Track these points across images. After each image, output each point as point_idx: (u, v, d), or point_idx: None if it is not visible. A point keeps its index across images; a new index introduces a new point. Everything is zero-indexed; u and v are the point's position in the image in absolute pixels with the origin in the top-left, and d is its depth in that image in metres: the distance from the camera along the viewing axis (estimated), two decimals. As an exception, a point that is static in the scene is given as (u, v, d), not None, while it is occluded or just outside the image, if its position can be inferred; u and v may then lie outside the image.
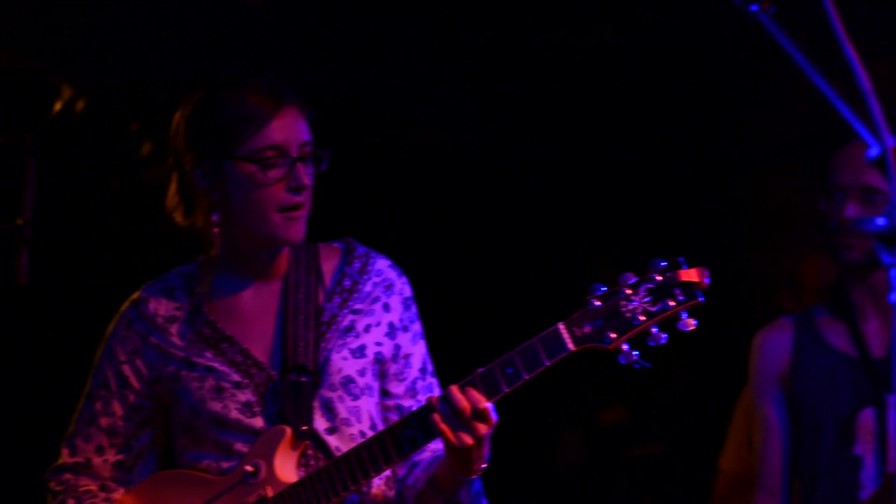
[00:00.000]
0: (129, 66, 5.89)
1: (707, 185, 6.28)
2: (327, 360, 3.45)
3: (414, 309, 3.57)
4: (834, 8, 2.20)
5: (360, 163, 5.98)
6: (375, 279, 3.54)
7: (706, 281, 3.13)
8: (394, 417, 3.49)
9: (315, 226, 3.49)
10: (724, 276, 3.94)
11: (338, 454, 3.39)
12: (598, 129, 6.36)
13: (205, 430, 3.46)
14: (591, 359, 3.29)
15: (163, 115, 3.62)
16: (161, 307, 3.55)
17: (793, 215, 6.05)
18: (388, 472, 3.49)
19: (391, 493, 3.51)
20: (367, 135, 6.11)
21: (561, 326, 3.19)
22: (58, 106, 5.86)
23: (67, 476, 3.60)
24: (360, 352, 3.47)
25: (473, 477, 3.32)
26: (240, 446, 3.44)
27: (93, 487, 3.57)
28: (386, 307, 3.52)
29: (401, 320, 3.53)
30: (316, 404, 3.44)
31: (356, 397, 3.46)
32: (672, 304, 3.13)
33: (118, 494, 3.56)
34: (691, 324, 3.12)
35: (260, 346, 3.49)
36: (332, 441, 3.44)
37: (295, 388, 3.42)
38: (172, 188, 3.52)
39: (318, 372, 3.44)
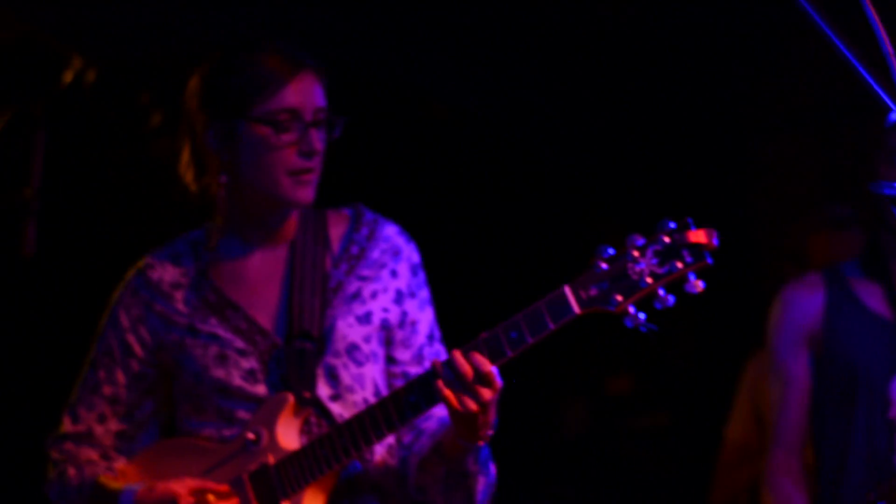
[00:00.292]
0: (139, 37, 5.90)
1: (716, 155, 6.27)
2: (332, 326, 3.43)
3: (422, 275, 3.55)
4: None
5: (372, 129, 5.98)
6: (383, 245, 3.52)
7: (715, 242, 3.08)
8: (400, 384, 3.46)
9: (327, 192, 3.49)
10: (730, 246, 3.96)
11: (341, 421, 3.37)
12: (610, 96, 6.35)
13: (207, 397, 3.45)
14: (598, 329, 3.28)
15: (173, 87, 3.62)
16: (166, 273, 3.54)
17: (803, 187, 6.04)
18: (390, 440, 3.48)
19: (393, 461, 3.49)
20: (379, 102, 6.11)
21: (567, 289, 3.15)
22: (68, 77, 5.86)
23: (69, 445, 3.57)
24: (365, 318, 3.46)
25: (480, 444, 3.30)
26: (242, 414, 3.42)
27: (94, 456, 3.55)
28: (393, 273, 3.50)
29: (408, 287, 3.51)
30: (320, 371, 3.43)
31: (360, 364, 3.45)
32: (680, 265, 3.08)
33: (120, 464, 3.54)
34: (699, 285, 3.07)
35: (265, 313, 3.48)
36: (336, 408, 3.42)
37: (299, 355, 3.41)
38: (185, 153, 3.51)
39: (323, 339, 3.43)
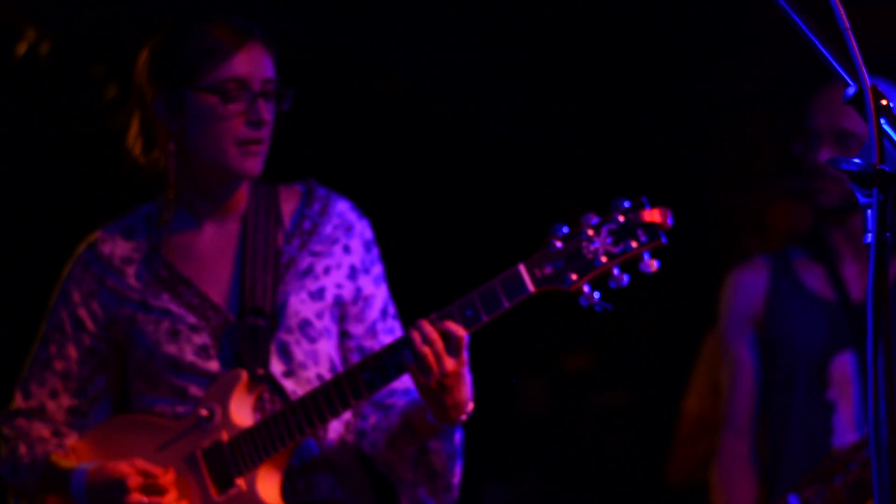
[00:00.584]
0: (94, 9, 5.84)
1: (674, 127, 6.27)
2: (285, 302, 3.42)
3: (375, 251, 3.54)
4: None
5: (324, 103, 5.95)
6: (336, 221, 3.51)
7: (669, 222, 3.09)
8: (355, 358, 3.46)
9: (279, 167, 3.46)
10: (690, 219, 3.94)
11: (294, 398, 3.36)
12: (567, 72, 6.34)
13: (159, 373, 3.43)
14: (554, 305, 3.27)
15: (128, 59, 3.59)
16: (118, 248, 3.52)
17: (761, 160, 6.05)
18: (347, 416, 3.47)
19: (350, 438, 3.49)
20: (330, 75, 6.07)
21: (521, 267, 3.16)
22: (22, 49, 5.80)
23: (20, 421, 3.55)
24: (318, 294, 3.45)
25: (452, 426, 3.30)
26: (195, 390, 3.41)
27: (45, 433, 3.53)
28: (346, 249, 3.49)
29: (362, 262, 3.50)
30: (273, 348, 3.41)
31: (313, 340, 3.43)
32: (634, 245, 3.10)
33: (71, 440, 3.52)
34: (654, 265, 3.09)
35: (217, 288, 3.47)
36: (289, 385, 3.41)
37: (252, 331, 3.40)
38: (134, 125, 3.49)
39: (276, 315, 3.41)
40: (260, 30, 3.43)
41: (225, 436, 3.36)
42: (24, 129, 5.92)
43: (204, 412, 3.38)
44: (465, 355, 3.18)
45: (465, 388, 3.23)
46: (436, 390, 3.19)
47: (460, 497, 3.45)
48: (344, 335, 3.50)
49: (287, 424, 3.31)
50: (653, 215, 3.10)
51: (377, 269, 3.54)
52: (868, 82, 2.05)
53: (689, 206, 4.55)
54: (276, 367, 3.42)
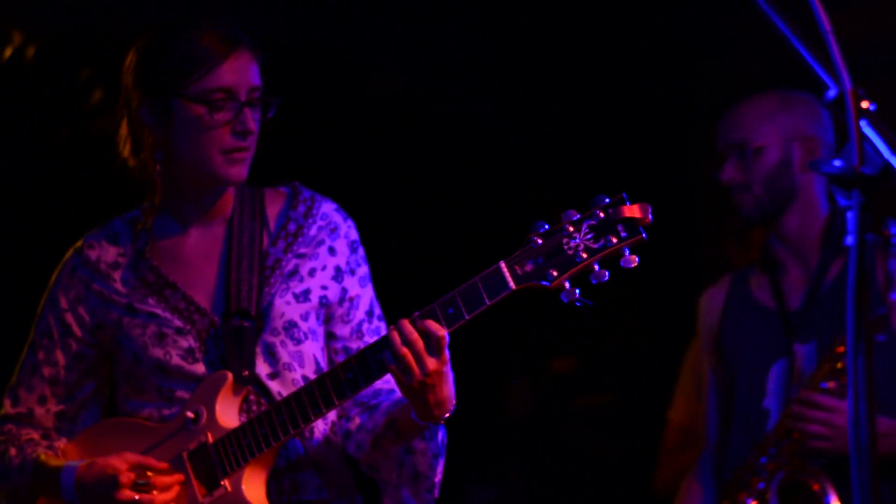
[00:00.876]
0: (80, 12, 5.84)
1: (658, 134, 6.28)
2: (270, 304, 3.43)
3: (361, 252, 3.55)
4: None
5: (307, 105, 5.95)
6: (320, 223, 3.52)
7: (649, 217, 3.09)
8: (341, 360, 3.47)
9: (264, 170, 3.47)
10: (674, 227, 3.95)
11: (280, 399, 3.37)
12: (551, 69, 6.34)
13: (146, 377, 3.45)
14: (540, 307, 3.27)
15: (114, 63, 3.59)
16: (104, 253, 3.54)
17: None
18: (332, 417, 3.49)
19: (336, 439, 3.50)
20: (314, 76, 6.08)
21: (502, 265, 3.16)
22: (7, 52, 5.80)
23: (9, 426, 3.57)
24: (303, 296, 3.46)
25: (435, 424, 3.31)
26: (181, 393, 3.42)
27: (35, 436, 3.55)
28: (331, 251, 3.50)
29: (347, 263, 3.51)
30: (258, 349, 3.42)
31: (299, 342, 3.45)
32: (614, 240, 3.10)
33: (60, 443, 3.54)
34: (634, 261, 3.08)
35: (203, 291, 3.48)
36: (274, 386, 3.42)
37: (237, 333, 3.40)
38: (122, 127, 3.50)
39: (261, 316, 3.42)
40: (246, 36, 3.43)
41: (210, 437, 3.37)
42: (9, 133, 5.92)
43: (190, 414, 3.39)
44: (446, 354, 3.19)
45: (448, 386, 3.24)
46: (418, 389, 3.20)
47: (445, 499, 3.46)
48: (329, 336, 3.52)
49: (272, 425, 3.32)
50: (633, 211, 3.09)
51: (362, 269, 3.55)
52: (849, 85, 2.07)
53: (674, 209, 4.58)
54: (262, 368, 3.43)
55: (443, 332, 3.16)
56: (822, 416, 4.28)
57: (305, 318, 3.45)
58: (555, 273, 3.13)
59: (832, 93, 2.07)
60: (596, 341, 6.62)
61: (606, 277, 3.11)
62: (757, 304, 4.56)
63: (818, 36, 2.07)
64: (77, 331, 3.52)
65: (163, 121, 3.41)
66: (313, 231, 3.51)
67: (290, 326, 3.44)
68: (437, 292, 3.21)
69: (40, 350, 3.56)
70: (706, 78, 6.24)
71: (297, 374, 3.44)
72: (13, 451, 3.52)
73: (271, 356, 3.43)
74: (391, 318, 3.28)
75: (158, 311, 3.45)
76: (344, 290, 3.50)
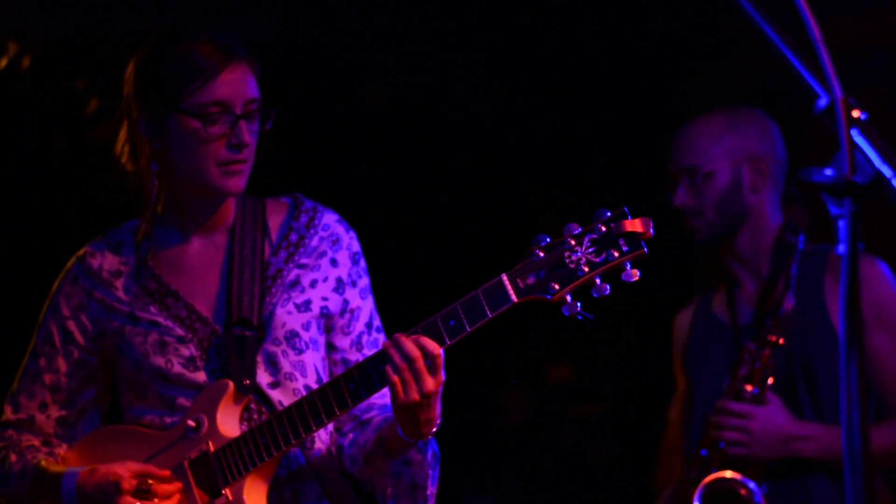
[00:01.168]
0: (75, 21, 5.84)
1: (655, 140, 6.29)
2: (272, 314, 3.43)
3: (362, 263, 3.56)
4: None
5: (309, 116, 5.96)
6: (322, 234, 3.52)
7: (651, 232, 3.10)
8: (339, 371, 3.48)
9: (263, 180, 3.47)
10: (671, 231, 3.96)
11: (281, 408, 3.38)
12: (550, 80, 6.35)
13: (148, 384, 3.45)
14: (538, 316, 3.28)
15: (110, 71, 3.60)
16: (106, 262, 3.54)
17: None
18: (332, 427, 3.49)
19: (335, 449, 3.51)
20: (316, 89, 6.08)
21: (504, 277, 3.16)
22: (3, 62, 5.81)
23: (10, 432, 3.58)
24: (305, 306, 3.46)
25: (423, 441, 3.30)
26: (183, 401, 3.43)
27: (35, 442, 3.55)
28: (333, 262, 3.51)
29: (349, 275, 3.52)
30: (259, 358, 3.43)
31: (300, 352, 3.45)
32: (616, 254, 3.10)
33: (61, 450, 3.55)
34: (635, 274, 3.09)
35: (204, 300, 3.48)
36: (275, 395, 3.43)
37: (238, 342, 3.41)
38: (121, 134, 3.50)
39: (263, 326, 3.43)
40: (243, 47, 3.43)
41: (212, 446, 3.38)
42: (5, 142, 5.92)
43: (191, 423, 3.39)
44: (442, 374, 3.19)
45: (439, 405, 3.24)
46: (412, 407, 3.20)
47: (442, 506, 3.47)
48: (330, 347, 3.52)
49: (273, 434, 3.32)
50: (634, 225, 3.10)
51: (363, 281, 3.55)
52: (840, 94, 2.08)
53: (672, 218, 4.60)
54: (263, 377, 3.43)
55: (438, 351, 3.16)
56: (738, 422, 4.36)
57: (307, 327, 3.46)
58: (556, 286, 3.14)
59: (823, 101, 2.07)
60: (592, 350, 6.63)
61: (608, 291, 3.12)
62: (716, 320, 4.65)
63: (809, 45, 2.08)
64: (79, 338, 3.53)
65: (159, 133, 3.41)
66: (315, 242, 3.52)
67: (292, 336, 3.44)
68: (437, 304, 3.21)
69: (42, 357, 3.56)
70: (712, 89, 6.26)
71: (298, 384, 3.44)
72: (13, 457, 3.53)
73: (272, 365, 3.44)
74: (391, 329, 3.28)
75: (160, 320, 3.46)
76: (345, 302, 3.51)
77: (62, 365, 3.55)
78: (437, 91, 6.43)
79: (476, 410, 6.38)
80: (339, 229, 3.55)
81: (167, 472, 3.39)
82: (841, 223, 2.08)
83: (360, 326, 3.53)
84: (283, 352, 3.44)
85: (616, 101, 6.31)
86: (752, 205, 4.57)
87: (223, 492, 3.36)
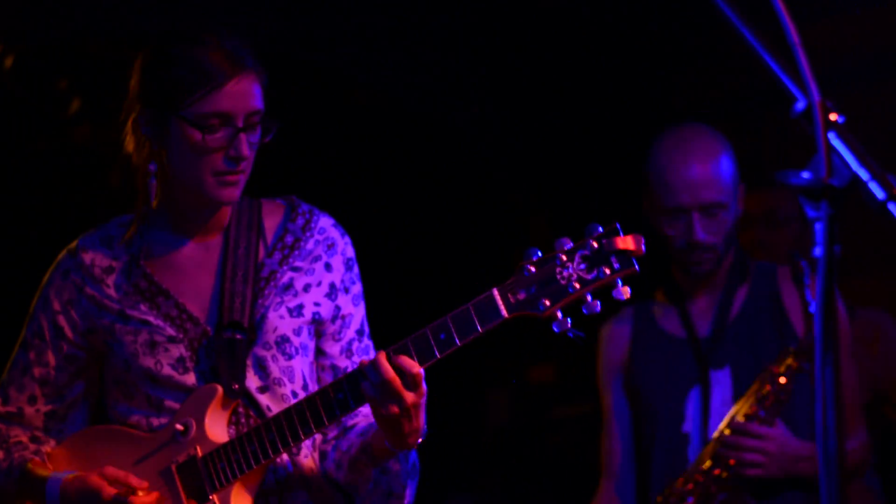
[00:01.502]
0: (57, 22, 5.83)
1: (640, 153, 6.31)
2: (263, 317, 3.43)
3: (355, 269, 3.55)
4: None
5: (303, 121, 5.96)
6: (318, 237, 3.52)
7: (643, 249, 3.09)
8: (328, 377, 3.48)
9: (257, 184, 3.47)
10: (656, 239, 3.97)
11: (269, 413, 3.38)
12: (539, 92, 6.36)
13: (136, 384, 3.45)
14: (521, 320, 3.28)
15: (93, 72, 3.59)
16: (98, 258, 3.53)
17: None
18: (319, 436, 3.49)
19: (319, 456, 3.51)
20: (307, 96, 6.09)
21: (495, 292, 3.16)
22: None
23: (-1, 425, 3.57)
24: (297, 311, 3.46)
25: (408, 451, 3.32)
26: (170, 403, 3.43)
27: (23, 438, 3.56)
28: (328, 267, 3.50)
29: (342, 281, 3.51)
30: (249, 362, 3.42)
31: (290, 357, 3.44)
32: (607, 271, 3.10)
33: (48, 447, 3.55)
34: (626, 292, 3.09)
35: (196, 301, 3.48)
36: (264, 400, 3.43)
37: (229, 345, 3.40)
38: (128, 125, 3.47)
39: (254, 329, 3.42)
40: (252, 57, 3.39)
41: (199, 451, 3.38)
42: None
43: (179, 426, 3.39)
44: (423, 387, 3.19)
45: (423, 416, 3.25)
46: (394, 421, 3.20)
47: (425, 509, 3.47)
48: (319, 353, 3.52)
49: (261, 442, 3.33)
50: (626, 242, 3.10)
51: (356, 288, 3.55)
52: (817, 97, 2.08)
53: (652, 229, 4.60)
54: (252, 381, 3.43)
55: (418, 370, 3.17)
56: (756, 444, 4.37)
57: (298, 333, 3.46)
58: (547, 302, 3.14)
59: (801, 105, 2.08)
60: (574, 351, 6.63)
61: (598, 309, 3.12)
62: (665, 335, 4.64)
63: (787, 48, 2.08)
64: (69, 333, 3.53)
65: (159, 135, 3.40)
66: (310, 245, 3.51)
67: (283, 341, 3.44)
68: (428, 316, 3.21)
69: (31, 350, 3.56)
70: (707, 101, 6.28)
71: (286, 390, 3.44)
72: (1, 454, 3.54)
73: (262, 370, 3.43)
74: (381, 339, 3.28)
75: (150, 318, 3.45)
76: (337, 308, 3.51)
77: (52, 359, 3.55)
78: (429, 101, 6.44)
79: (457, 411, 6.38)
80: (335, 234, 3.54)
81: (146, 483, 3.39)
82: (818, 226, 2.08)
83: (350, 333, 3.52)
84: (273, 356, 3.43)
85: (605, 112, 6.32)
86: None
87: (210, 497, 3.37)
